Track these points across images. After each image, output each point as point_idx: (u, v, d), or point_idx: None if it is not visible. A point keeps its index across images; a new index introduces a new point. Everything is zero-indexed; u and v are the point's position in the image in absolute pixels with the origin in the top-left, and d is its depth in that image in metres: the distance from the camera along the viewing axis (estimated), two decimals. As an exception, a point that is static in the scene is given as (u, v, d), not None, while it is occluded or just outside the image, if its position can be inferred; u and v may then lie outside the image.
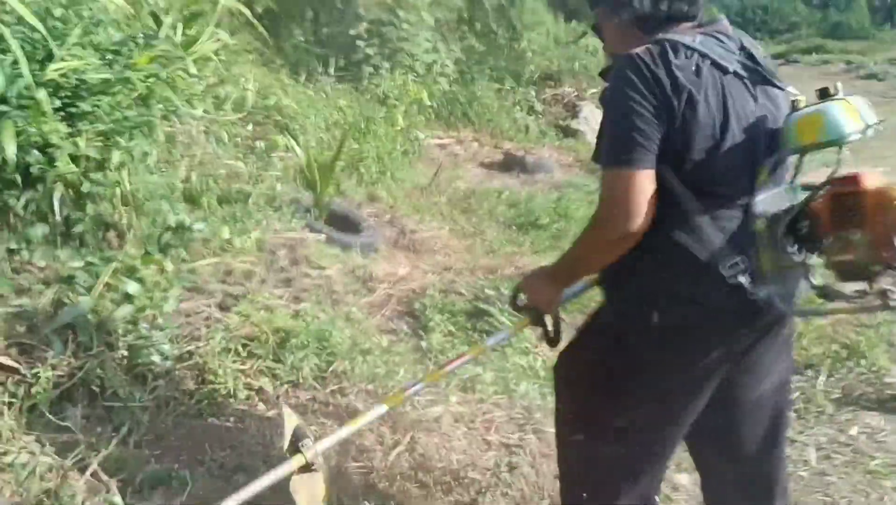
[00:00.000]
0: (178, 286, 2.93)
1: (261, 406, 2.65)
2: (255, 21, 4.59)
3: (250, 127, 4.88)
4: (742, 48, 1.57)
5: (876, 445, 2.65)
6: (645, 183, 1.45)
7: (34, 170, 2.59)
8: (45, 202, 2.64)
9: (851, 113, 1.40)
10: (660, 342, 1.53)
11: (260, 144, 4.52)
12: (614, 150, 1.49)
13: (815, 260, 1.50)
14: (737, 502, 1.77)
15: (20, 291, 2.59)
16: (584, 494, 1.70)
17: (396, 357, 3.08)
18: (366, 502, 2.23)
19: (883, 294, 1.37)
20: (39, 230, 2.65)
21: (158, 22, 3.23)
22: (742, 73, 1.53)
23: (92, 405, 2.39)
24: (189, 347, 2.79)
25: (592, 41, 9.66)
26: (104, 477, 2.11)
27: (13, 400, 2.25)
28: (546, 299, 1.77)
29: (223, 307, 3.09)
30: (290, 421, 1.94)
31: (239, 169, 4.15)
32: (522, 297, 1.87)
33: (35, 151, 2.59)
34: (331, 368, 2.90)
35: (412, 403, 2.73)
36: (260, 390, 2.72)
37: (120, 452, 2.24)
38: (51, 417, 2.28)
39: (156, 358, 2.59)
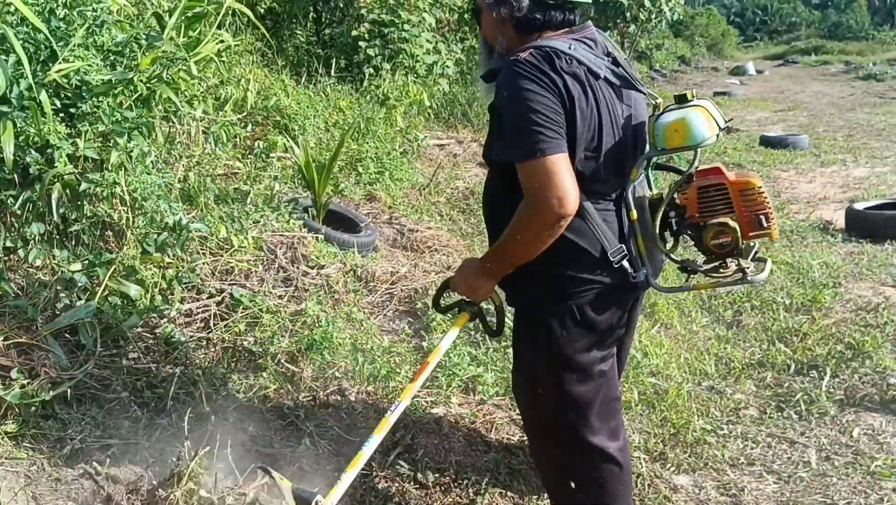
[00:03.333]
0: (178, 286, 2.93)
1: (261, 407, 2.64)
2: (257, 22, 4.58)
3: (250, 127, 4.89)
4: (608, 54, 1.71)
5: (877, 446, 2.64)
6: (563, 165, 1.56)
7: (32, 169, 2.59)
8: (43, 202, 2.63)
9: (709, 119, 1.58)
10: (577, 319, 1.74)
11: (259, 144, 4.53)
12: (528, 144, 1.56)
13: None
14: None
15: (17, 291, 2.58)
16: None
17: (398, 357, 3.07)
18: (366, 503, 2.22)
19: (742, 271, 1.64)
20: (36, 229, 2.65)
21: (162, 23, 3.23)
22: (611, 78, 1.67)
23: (91, 407, 2.39)
24: (189, 347, 2.79)
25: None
26: (103, 479, 2.10)
27: (11, 402, 2.25)
28: (485, 292, 1.87)
29: (224, 307, 3.08)
30: (286, 484, 1.81)
31: (237, 169, 4.15)
32: (454, 295, 1.95)
33: (33, 151, 2.59)
34: (331, 369, 2.90)
35: (413, 404, 2.72)
36: (260, 391, 2.72)
37: (119, 453, 2.23)
38: (50, 419, 2.28)
39: (155, 359, 2.58)
